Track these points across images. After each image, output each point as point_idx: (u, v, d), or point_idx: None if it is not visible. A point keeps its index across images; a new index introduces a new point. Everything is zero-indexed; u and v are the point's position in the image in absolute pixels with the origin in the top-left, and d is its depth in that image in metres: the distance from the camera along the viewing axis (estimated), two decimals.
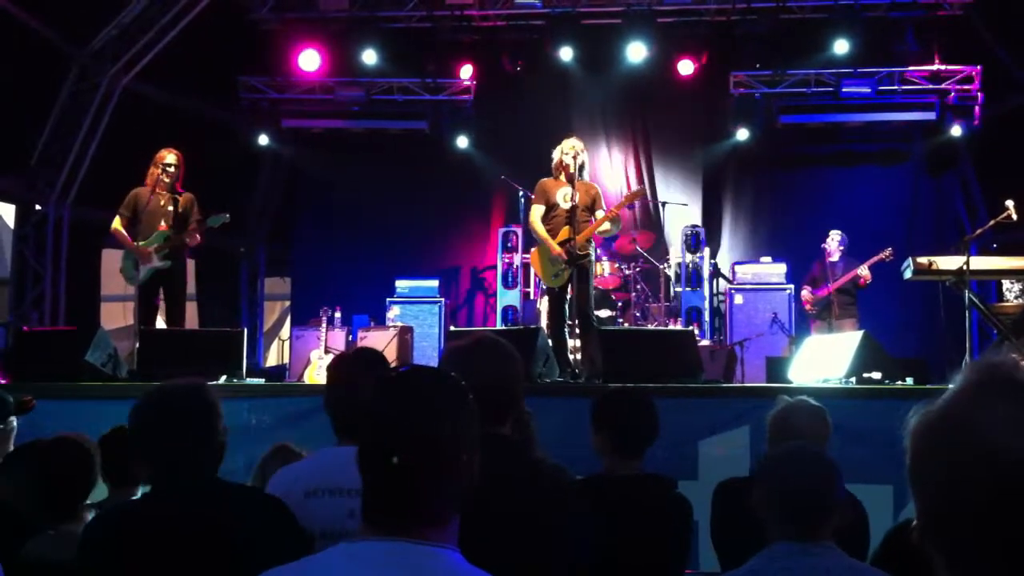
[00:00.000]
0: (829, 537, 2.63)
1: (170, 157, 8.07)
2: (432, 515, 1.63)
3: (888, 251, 9.88)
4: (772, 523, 2.66)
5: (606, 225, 7.56)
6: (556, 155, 7.71)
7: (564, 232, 7.47)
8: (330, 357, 10.52)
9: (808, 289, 10.42)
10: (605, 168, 12.34)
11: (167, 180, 8.01)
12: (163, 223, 7.99)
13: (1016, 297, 10.07)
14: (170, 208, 8.04)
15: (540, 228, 7.63)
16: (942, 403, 1.24)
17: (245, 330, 7.69)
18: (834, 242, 10.28)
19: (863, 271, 9.99)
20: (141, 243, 7.94)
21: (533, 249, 7.86)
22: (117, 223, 8.07)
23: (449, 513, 1.66)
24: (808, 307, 10.43)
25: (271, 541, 2.54)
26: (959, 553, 1.18)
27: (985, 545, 1.15)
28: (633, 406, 3.74)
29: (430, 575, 1.59)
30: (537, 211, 7.69)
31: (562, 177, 7.64)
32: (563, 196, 7.55)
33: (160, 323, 8.47)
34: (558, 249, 7.44)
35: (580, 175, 7.61)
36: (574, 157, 7.55)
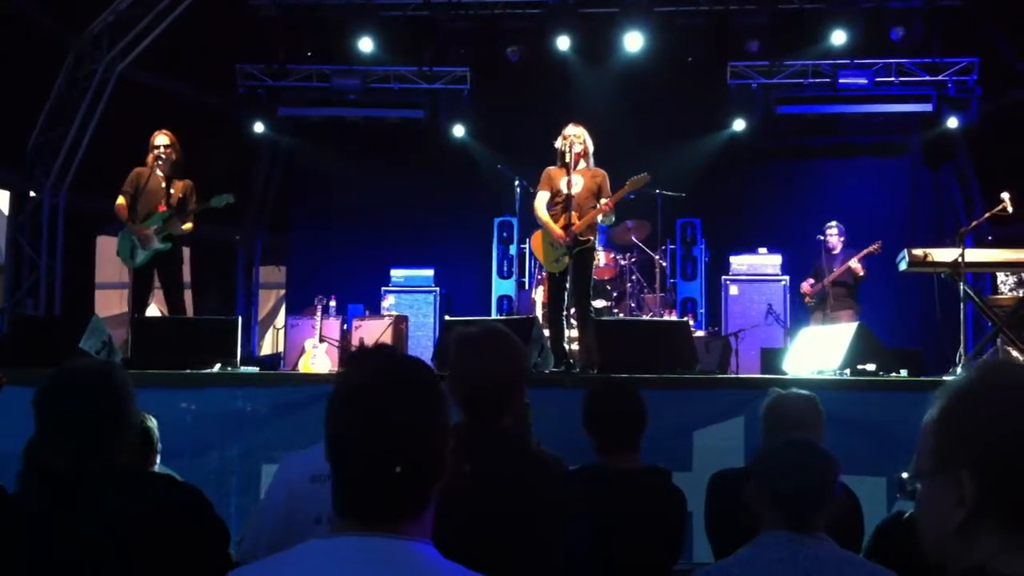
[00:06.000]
0: (822, 528, 2.63)
1: (161, 138, 8.07)
2: (413, 509, 1.60)
3: (877, 244, 9.89)
4: (766, 513, 2.66)
5: (603, 208, 7.51)
6: (558, 140, 7.67)
7: (565, 218, 7.43)
8: (325, 346, 10.52)
9: (809, 282, 10.43)
10: (600, 158, 12.30)
11: (163, 161, 8.01)
12: (162, 204, 7.99)
13: (1010, 290, 10.09)
14: (170, 191, 8.04)
15: (543, 213, 7.60)
16: (960, 381, 1.26)
17: (240, 318, 7.65)
18: (833, 235, 10.28)
19: (854, 264, 10.01)
20: (141, 224, 7.94)
21: (535, 233, 7.83)
22: (121, 200, 8.05)
23: (427, 504, 1.63)
24: (808, 300, 10.46)
25: (188, 530, 2.50)
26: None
27: None
28: (618, 402, 3.72)
29: (405, 572, 1.55)
30: (542, 197, 7.65)
31: (561, 164, 7.60)
32: (566, 183, 7.50)
33: (155, 309, 8.46)
34: (560, 232, 7.40)
35: (578, 163, 7.53)
36: (570, 145, 7.49)
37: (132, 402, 2.63)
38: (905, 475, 1.36)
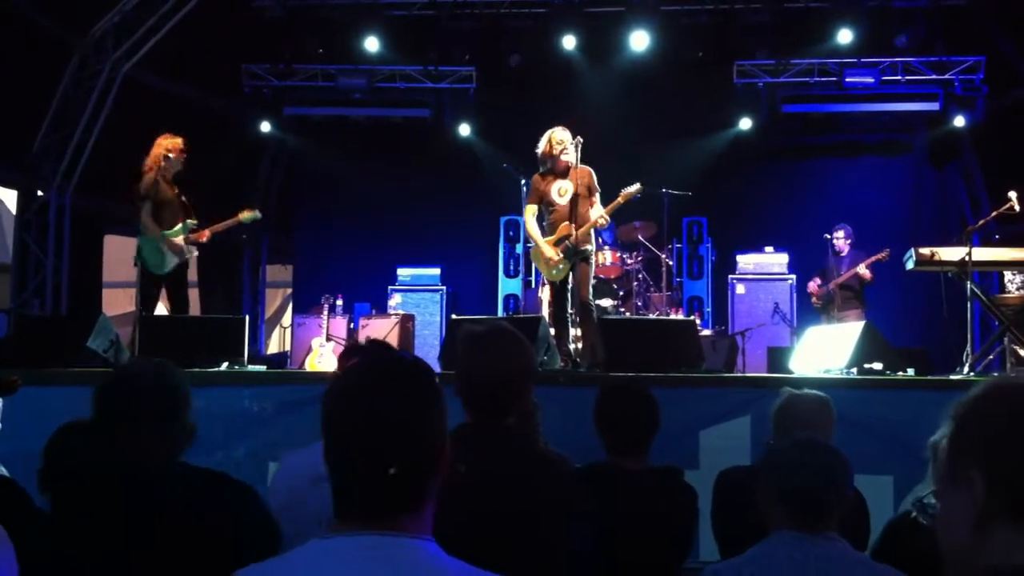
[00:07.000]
0: (834, 528, 2.63)
1: (176, 141, 8.02)
2: (413, 505, 1.59)
3: (885, 252, 9.89)
4: (778, 512, 2.65)
5: (600, 220, 7.50)
6: (543, 146, 7.58)
7: (564, 228, 7.42)
8: (332, 345, 10.53)
9: (815, 282, 10.42)
10: (606, 158, 12.29)
11: (171, 164, 7.98)
12: (183, 214, 8.01)
13: (1018, 288, 10.05)
14: (183, 199, 8.07)
15: (534, 232, 7.61)
16: (968, 395, 1.27)
17: (247, 317, 7.67)
18: (840, 238, 10.28)
19: (862, 270, 10.02)
20: (167, 232, 7.92)
21: (532, 245, 7.83)
22: (147, 211, 7.92)
23: (427, 500, 1.62)
24: (814, 300, 10.46)
25: (238, 527, 2.51)
26: None
27: None
28: (631, 404, 3.68)
29: (408, 569, 1.55)
30: (531, 211, 7.66)
31: (547, 171, 7.57)
32: (558, 191, 7.48)
33: (160, 308, 8.47)
34: (551, 254, 7.40)
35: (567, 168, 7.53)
36: (563, 151, 7.47)
37: (188, 401, 2.70)
38: (923, 499, 1.38)
